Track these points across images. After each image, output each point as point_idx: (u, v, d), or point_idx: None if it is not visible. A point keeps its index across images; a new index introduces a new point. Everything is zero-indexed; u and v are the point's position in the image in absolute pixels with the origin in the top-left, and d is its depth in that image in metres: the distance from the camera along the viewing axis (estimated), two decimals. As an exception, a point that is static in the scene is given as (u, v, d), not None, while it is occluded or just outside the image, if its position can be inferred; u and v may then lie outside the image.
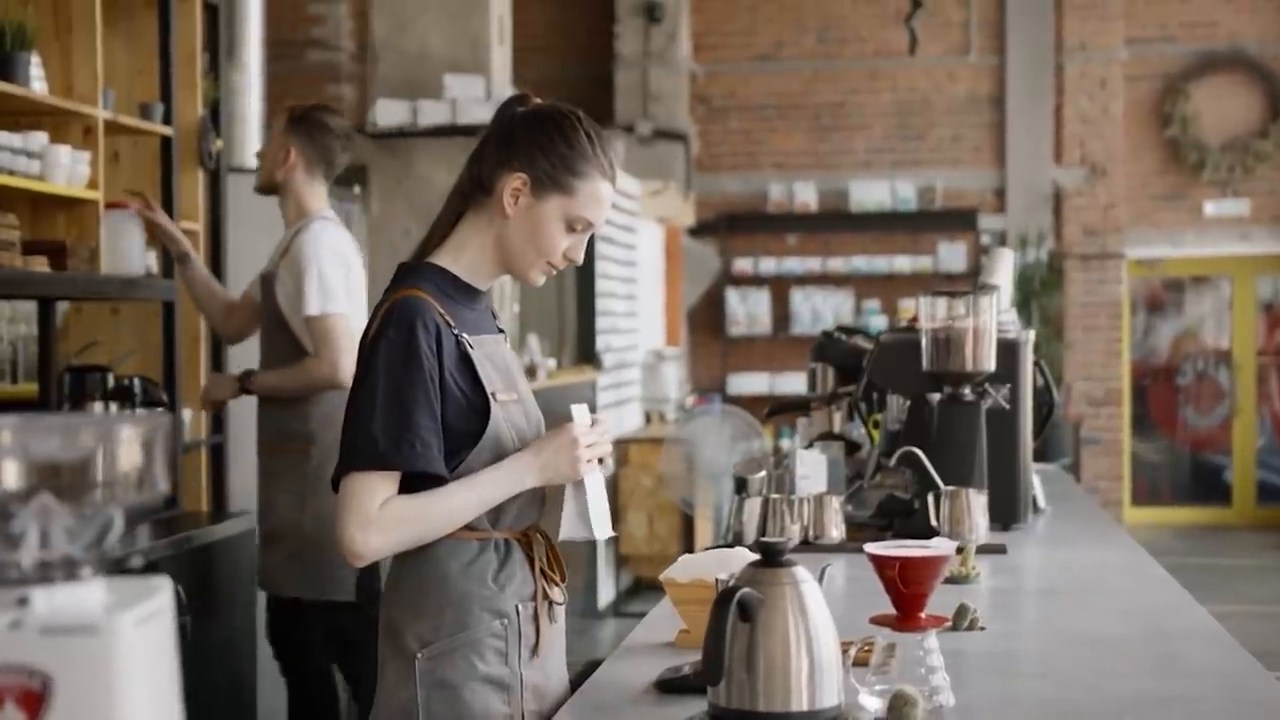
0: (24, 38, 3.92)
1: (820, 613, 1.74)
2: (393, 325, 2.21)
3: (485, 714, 2.22)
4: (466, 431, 2.22)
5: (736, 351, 11.89)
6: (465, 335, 2.25)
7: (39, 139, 4.03)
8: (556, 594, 2.35)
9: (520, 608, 2.27)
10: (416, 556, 2.24)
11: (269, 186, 4.31)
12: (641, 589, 8.81)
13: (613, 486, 8.51)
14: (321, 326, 4.12)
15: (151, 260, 4.52)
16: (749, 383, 11.69)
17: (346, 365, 4.08)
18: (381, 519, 2.17)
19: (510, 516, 2.29)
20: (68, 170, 4.11)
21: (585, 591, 7.69)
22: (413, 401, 2.18)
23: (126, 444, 0.98)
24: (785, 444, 8.49)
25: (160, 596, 1.01)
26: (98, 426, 0.99)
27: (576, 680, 2.38)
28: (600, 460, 2.35)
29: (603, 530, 2.35)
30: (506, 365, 2.34)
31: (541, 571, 2.31)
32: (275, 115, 4.43)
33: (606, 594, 8.25)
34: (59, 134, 4.18)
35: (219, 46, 5.17)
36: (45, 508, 0.97)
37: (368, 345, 2.24)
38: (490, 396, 2.24)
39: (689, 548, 8.46)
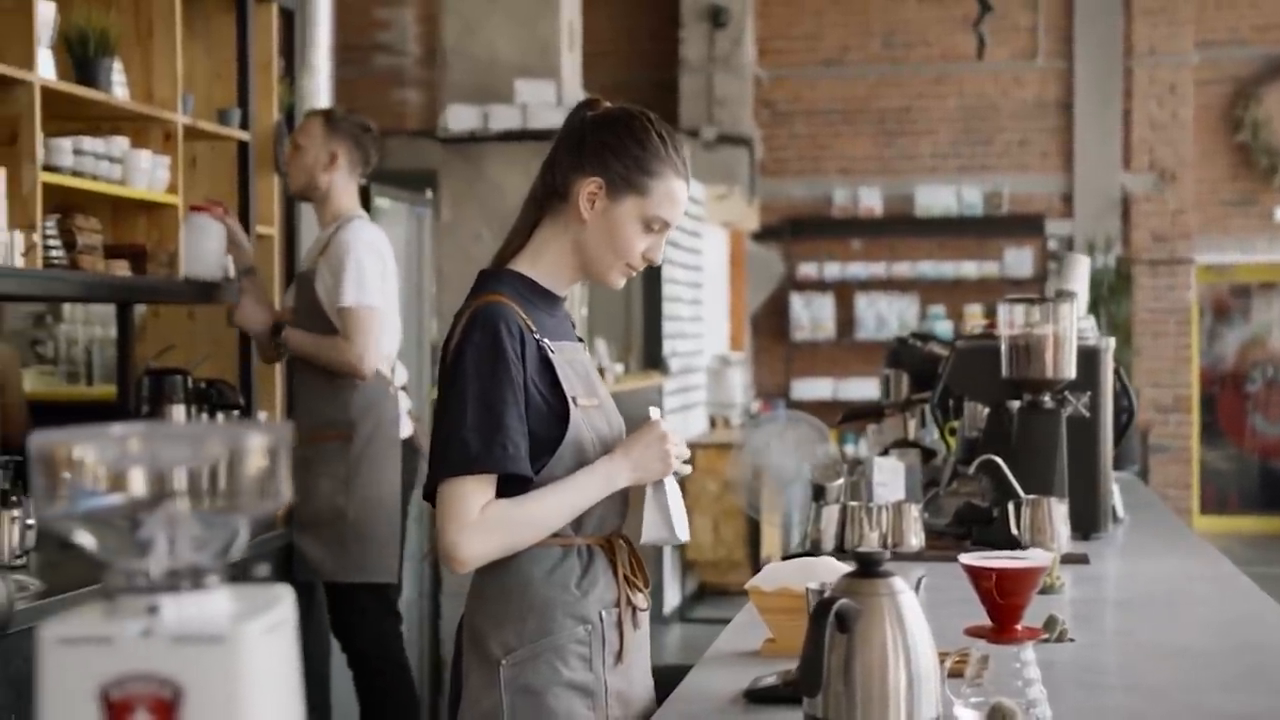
0: (107, 43, 3.95)
1: (918, 624, 1.73)
2: (478, 330, 2.22)
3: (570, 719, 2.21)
4: (547, 437, 2.22)
5: (800, 357, 11.85)
6: (546, 340, 2.26)
7: (121, 144, 4.07)
8: (640, 600, 2.35)
9: (604, 614, 2.27)
10: (499, 564, 2.24)
11: (309, 190, 4.39)
12: (707, 594, 8.80)
13: (679, 491, 8.50)
14: (354, 317, 4.21)
15: (229, 265, 4.55)
16: (813, 388, 11.64)
17: (371, 358, 4.18)
18: (481, 523, 2.18)
19: (593, 522, 2.29)
20: (148, 175, 4.14)
21: (650, 597, 7.68)
22: (501, 404, 2.18)
23: (252, 453, 0.99)
24: (850, 450, 8.45)
25: (283, 605, 1.01)
26: (224, 435, 0.99)
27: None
28: (686, 460, 2.34)
29: (684, 531, 2.35)
30: (586, 372, 2.35)
31: (625, 578, 2.31)
32: (305, 121, 4.49)
33: (672, 599, 8.23)
34: (140, 139, 4.22)
35: (293, 52, 5.21)
36: (173, 516, 0.97)
37: (452, 352, 2.24)
38: (571, 401, 2.24)
39: (754, 553, 8.43)
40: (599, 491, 2.25)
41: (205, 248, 4.31)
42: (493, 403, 2.19)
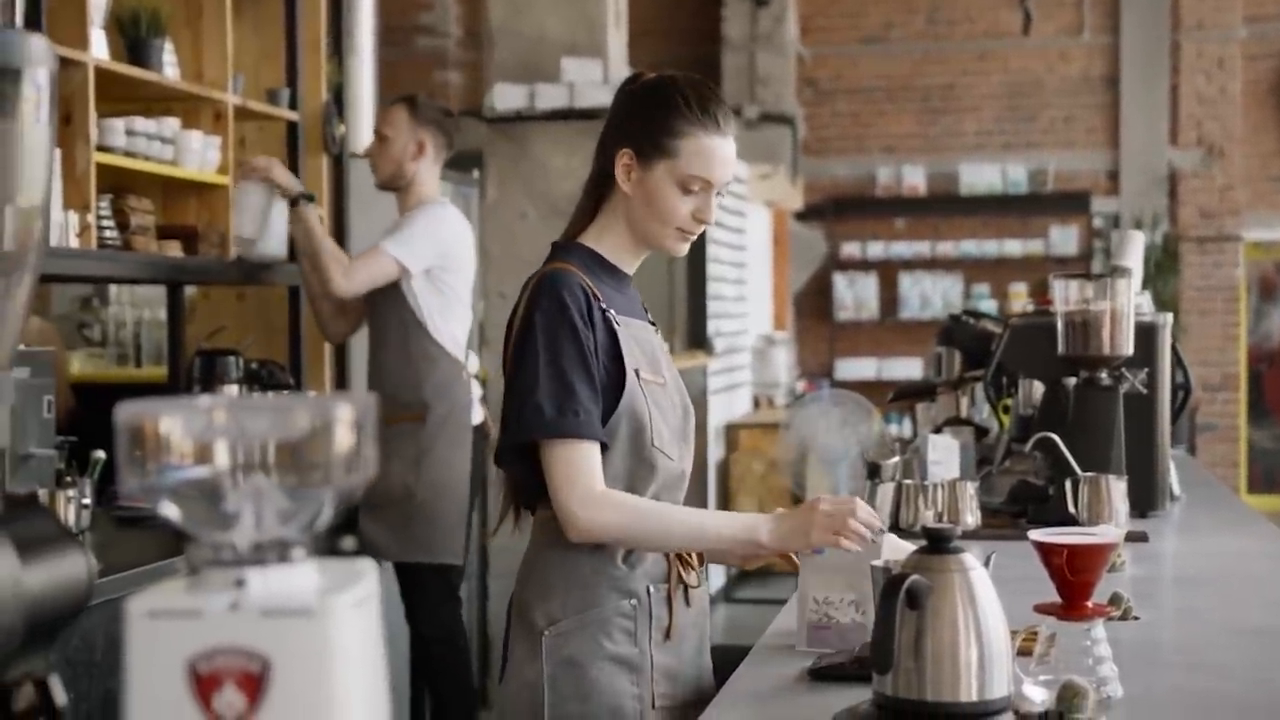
0: (158, 24, 3.96)
1: (990, 601, 1.71)
2: (544, 295, 2.23)
3: (612, 693, 2.21)
4: (607, 406, 2.22)
5: (844, 336, 11.80)
6: (613, 312, 2.26)
7: (172, 124, 4.08)
8: (692, 577, 2.33)
9: (652, 589, 2.26)
10: (550, 536, 2.23)
11: (396, 180, 4.37)
12: (752, 575, 8.77)
13: (723, 471, 8.49)
14: (370, 251, 4.24)
15: (282, 231, 4.55)
16: (857, 368, 11.60)
17: (350, 285, 4.17)
18: (609, 500, 2.19)
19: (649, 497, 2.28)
20: (199, 155, 4.15)
21: (705, 575, 7.67)
22: (572, 370, 2.19)
23: (338, 425, 0.98)
24: (894, 429, 8.41)
25: (368, 580, 1.00)
26: (310, 408, 0.98)
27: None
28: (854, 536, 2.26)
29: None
30: (654, 350, 2.35)
31: (676, 555, 2.30)
32: (387, 111, 4.47)
33: (716, 580, 8.23)
34: (190, 119, 4.23)
35: (340, 32, 5.21)
36: (259, 489, 0.97)
37: (520, 318, 2.26)
38: (634, 374, 2.24)
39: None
40: (733, 534, 2.26)
41: (247, 209, 4.27)
42: (563, 369, 2.19)
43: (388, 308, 4.28)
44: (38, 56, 1.06)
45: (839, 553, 2.26)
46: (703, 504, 7.87)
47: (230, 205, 4.30)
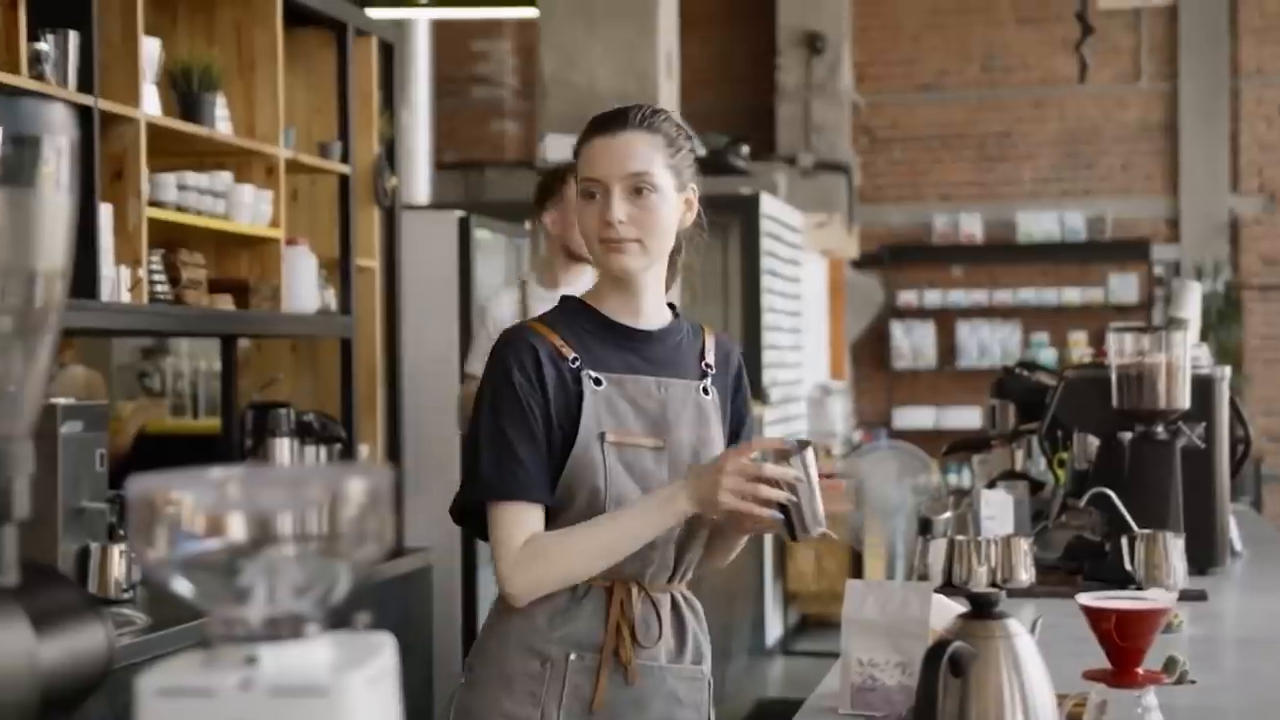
0: (210, 79, 3.99)
1: (1036, 669, 1.67)
2: (494, 356, 2.24)
3: None
4: (558, 466, 2.18)
5: (901, 385, 11.73)
6: (590, 371, 2.21)
7: (224, 179, 4.10)
8: (628, 654, 2.20)
9: (573, 656, 2.18)
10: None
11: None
12: (809, 626, 8.71)
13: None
14: None
15: (330, 297, 4.57)
16: (915, 417, 11.52)
17: None
18: (520, 555, 2.14)
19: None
20: (251, 209, 4.18)
21: (752, 629, 7.61)
22: (512, 430, 2.17)
23: (353, 497, 0.96)
24: (953, 479, 8.33)
25: (385, 654, 0.98)
26: (324, 479, 0.96)
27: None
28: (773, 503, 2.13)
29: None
30: (660, 411, 2.25)
31: (620, 626, 2.19)
32: (557, 187, 4.39)
33: (774, 631, 8.16)
34: (242, 173, 4.26)
35: (392, 84, 5.24)
36: (272, 562, 0.95)
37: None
38: (596, 435, 2.18)
39: (857, 584, 8.32)
40: (654, 517, 2.14)
41: (305, 280, 4.31)
42: (502, 429, 2.17)
43: None
44: (57, 124, 1.05)
45: (884, 613, 2.21)
46: (759, 555, 7.82)
47: (281, 260, 4.32)
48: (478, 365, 4.17)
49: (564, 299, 2.32)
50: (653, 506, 2.15)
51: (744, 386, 2.41)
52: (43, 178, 1.05)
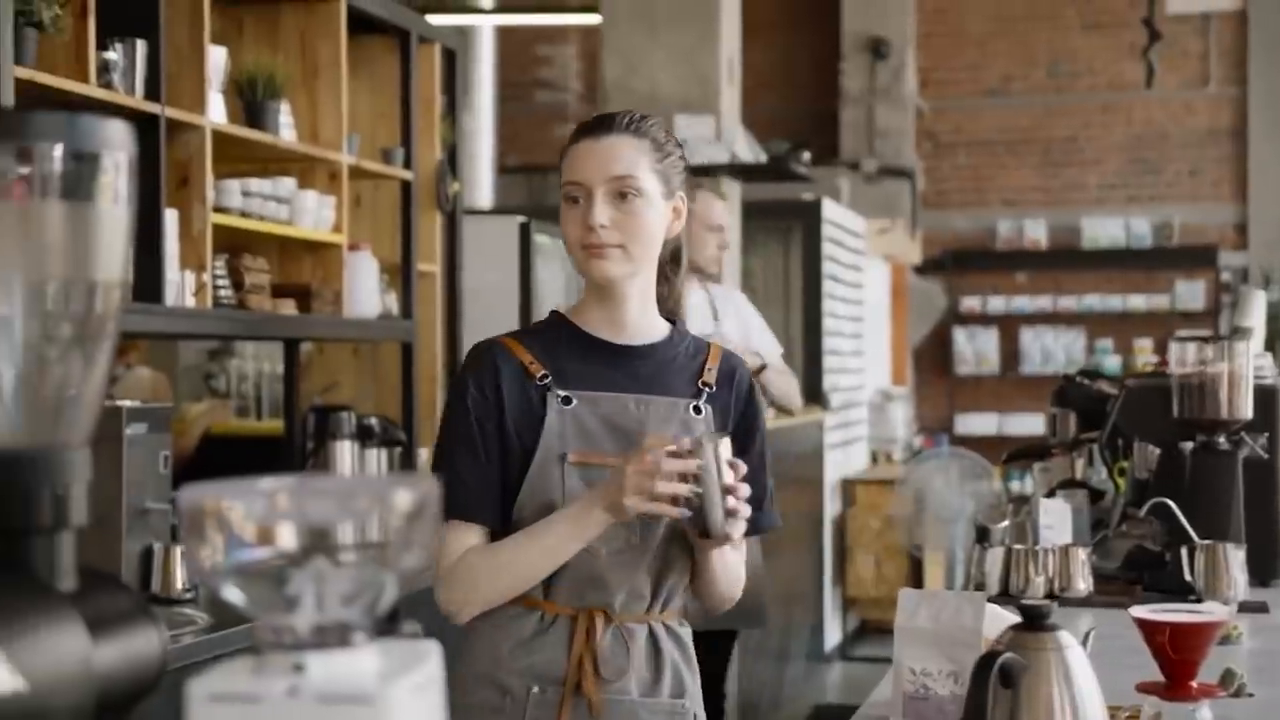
0: (274, 86, 4.04)
1: (1086, 681, 1.66)
2: (459, 372, 2.22)
3: None
4: (514, 485, 2.13)
5: (964, 391, 11.67)
6: (558, 389, 2.14)
7: (288, 185, 4.15)
8: (590, 687, 2.11)
9: (535, 689, 2.12)
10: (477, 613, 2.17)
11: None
12: (868, 632, 8.68)
13: (839, 527, 8.41)
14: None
15: (391, 302, 4.61)
16: (977, 423, 11.45)
17: None
18: (448, 573, 2.11)
19: (567, 588, 2.14)
20: (314, 215, 4.22)
21: (811, 634, 7.60)
22: (456, 447, 2.14)
23: (399, 507, 0.98)
24: (1015, 486, 8.28)
25: (430, 663, 0.99)
26: (372, 490, 0.98)
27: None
28: (676, 501, 2.03)
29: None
30: (634, 428, 2.15)
31: (585, 659, 2.11)
32: (718, 203, 4.51)
33: (833, 637, 8.14)
34: (306, 179, 4.30)
35: (455, 90, 5.27)
36: (320, 571, 0.97)
37: None
38: (557, 455, 2.11)
39: (917, 592, 8.28)
40: (571, 528, 2.06)
41: (366, 285, 4.36)
42: (449, 447, 2.14)
43: None
44: (115, 141, 1.08)
45: (937, 622, 2.20)
46: (818, 561, 7.80)
47: (343, 265, 4.37)
48: None
49: (552, 313, 2.28)
50: (568, 519, 2.08)
51: (753, 407, 2.29)
52: (101, 192, 1.07)
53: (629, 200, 2.14)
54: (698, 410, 2.21)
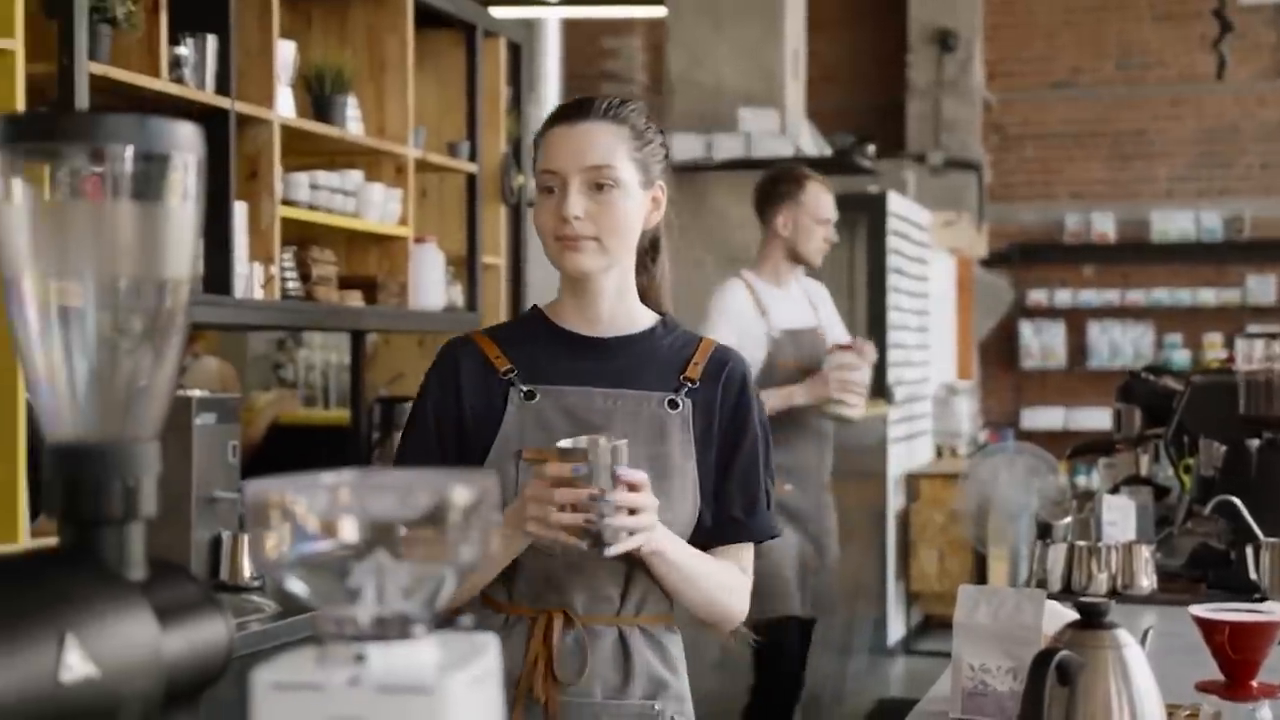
0: (342, 81, 4.08)
1: (1144, 680, 1.66)
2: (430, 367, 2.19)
3: None
4: None
5: (1030, 385, 11.59)
6: (524, 384, 2.09)
7: (355, 178, 4.19)
8: (541, 689, 2.06)
9: None
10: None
11: None
12: (932, 626, 8.65)
13: (903, 522, 8.39)
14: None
15: (456, 294, 4.64)
16: (1043, 417, 11.38)
17: None
18: None
19: (523, 589, 2.09)
20: (380, 208, 4.26)
21: (875, 628, 7.58)
22: (409, 447, 2.12)
23: (458, 503, 1.00)
24: (1081, 481, 8.23)
25: (488, 655, 1.01)
26: (431, 485, 1.00)
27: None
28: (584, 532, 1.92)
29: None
30: (600, 423, 2.07)
31: (539, 659, 2.05)
32: (790, 188, 4.54)
33: (896, 631, 8.12)
34: (372, 172, 4.34)
35: (520, 84, 5.30)
36: (381, 565, 0.99)
37: None
38: (514, 455, 2.05)
39: (982, 585, 8.25)
40: (499, 540, 1.96)
41: (431, 277, 4.41)
42: (405, 447, 2.12)
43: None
44: (185, 143, 1.10)
45: (996, 619, 2.20)
46: (882, 555, 7.79)
47: (409, 257, 4.40)
48: None
49: (532, 307, 2.22)
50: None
51: (744, 404, 2.16)
52: (171, 192, 1.10)
53: (605, 191, 2.06)
54: (673, 405, 2.11)
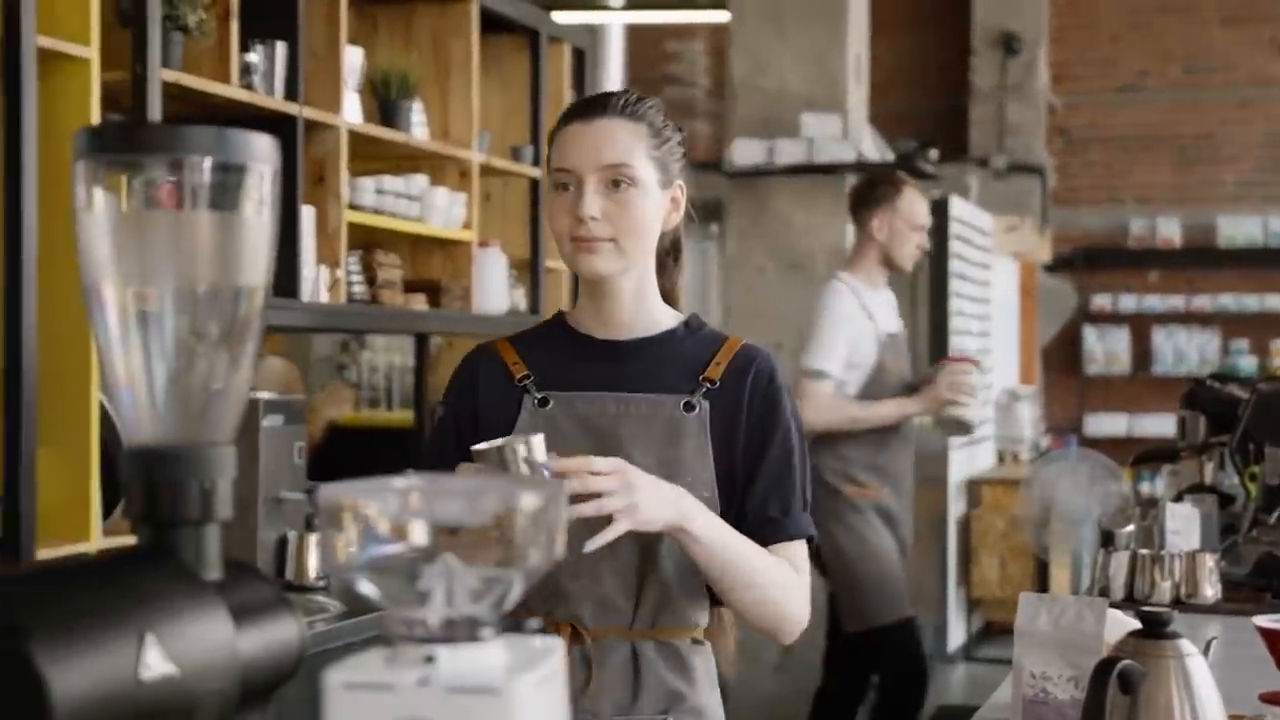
0: (407, 86, 4.12)
1: (1207, 691, 1.66)
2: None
3: None
4: None
5: (1093, 391, 11.50)
6: (538, 391, 2.05)
7: (420, 182, 4.23)
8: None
9: None
10: None
11: None
12: (993, 633, 8.61)
13: (964, 528, 8.35)
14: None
15: (519, 298, 4.67)
16: (1107, 424, 11.29)
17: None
18: None
19: (531, 599, 2.01)
20: (444, 212, 4.29)
21: (935, 635, 7.56)
22: (432, 451, 2.12)
23: (525, 509, 1.01)
24: (1145, 488, 8.16)
25: (554, 658, 1.03)
26: (499, 491, 1.02)
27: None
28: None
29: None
30: (609, 429, 2.03)
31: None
32: (887, 192, 4.59)
33: (957, 637, 8.09)
34: (437, 177, 4.38)
35: (584, 88, 5.32)
36: (449, 568, 1.01)
37: None
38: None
39: (1043, 592, 8.20)
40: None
41: (494, 281, 4.46)
42: (427, 460, 2.09)
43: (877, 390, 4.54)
44: (261, 154, 1.12)
45: (1058, 627, 2.20)
46: (943, 561, 7.76)
47: (472, 261, 4.44)
48: (820, 358, 4.37)
49: (556, 313, 2.19)
50: None
51: (772, 402, 2.08)
52: (247, 202, 1.12)
53: (622, 190, 1.99)
54: (689, 407, 2.04)
